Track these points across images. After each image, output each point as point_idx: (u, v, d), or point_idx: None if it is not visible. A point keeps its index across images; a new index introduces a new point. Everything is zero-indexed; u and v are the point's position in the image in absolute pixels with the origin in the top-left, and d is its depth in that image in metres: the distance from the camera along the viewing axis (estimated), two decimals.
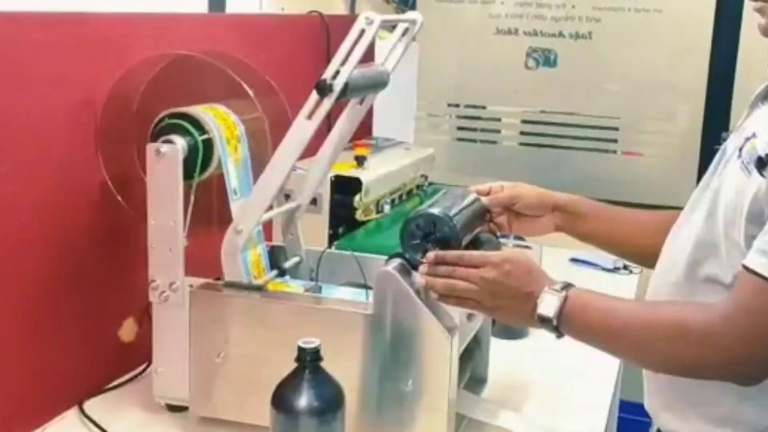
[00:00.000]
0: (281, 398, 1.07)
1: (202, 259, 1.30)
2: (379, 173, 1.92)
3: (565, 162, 2.77)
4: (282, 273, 1.38)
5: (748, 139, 1.05)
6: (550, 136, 2.76)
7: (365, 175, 1.86)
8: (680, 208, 1.20)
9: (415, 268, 1.20)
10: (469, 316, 1.29)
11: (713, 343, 1.00)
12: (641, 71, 2.62)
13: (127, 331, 1.48)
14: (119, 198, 1.37)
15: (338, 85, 1.19)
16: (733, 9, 2.47)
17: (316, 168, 1.43)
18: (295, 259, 1.43)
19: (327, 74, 1.19)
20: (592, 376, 1.51)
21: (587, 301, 1.09)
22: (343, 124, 1.41)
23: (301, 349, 1.07)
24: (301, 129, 1.22)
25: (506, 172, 2.68)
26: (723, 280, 1.05)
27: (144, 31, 1.47)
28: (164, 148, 1.25)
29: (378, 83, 1.34)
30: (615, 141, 2.74)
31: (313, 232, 1.58)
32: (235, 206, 1.30)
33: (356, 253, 1.39)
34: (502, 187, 1.35)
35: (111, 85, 1.35)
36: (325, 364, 1.08)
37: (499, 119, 2.91)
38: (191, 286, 1.28)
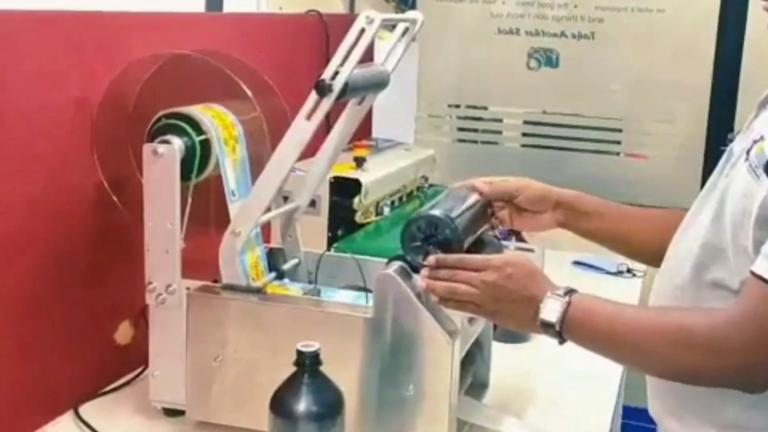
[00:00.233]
0: (280, 403, 1.05)
1: (200, 261, 1.28)
2: (378, 175, 1.91)
3: (568, 164, 2.75)
4: (280, 275, 1.36)
5: (756, 141, 1.03)
6: (552, 137, 2.74)
7: (365, 177, 1.84)
8: (686, 209, 1.19)
9: (416, 270, 1.18)
10: (471, 320, 1.27)
11: (718, 349, 0.98)
12: (644, 72, 2.60)
13: (123, 334, 1.46)
14: (115, 199, 1.35)
15: (338, 85, 1.17)
16: (738, 8, 2.45)
17: (315, 169, 1.42)
18: (294, 262, 1.41)
19: (326, 74, 1.18)
20: (596, 380, 1.49)
21: (590, 306, 1.07)
22: (343, 125, 1.39)
23: (300, 353, 1.06)
24: (300, 130, 1.20)
25: (507, 173, 2.65)
26: (730, 286, 1.03)
27: (140, 30, 1.45)
28: (161, 148, 1.23)
29: (378, 83, 1.33)
30: (618, 142, 2.72)
31: (311, 234, 1.56)
32: (233, 208, 1.28)
33: (356, 256, 1.37)
34: (503, 181, 1.33)
35: (107, 85, 1.34)
36: (324, 368, 1.07)
37: (500, 120, 2.89)
38: (188, 288, 1.27)
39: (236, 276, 1.26)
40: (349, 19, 2.40)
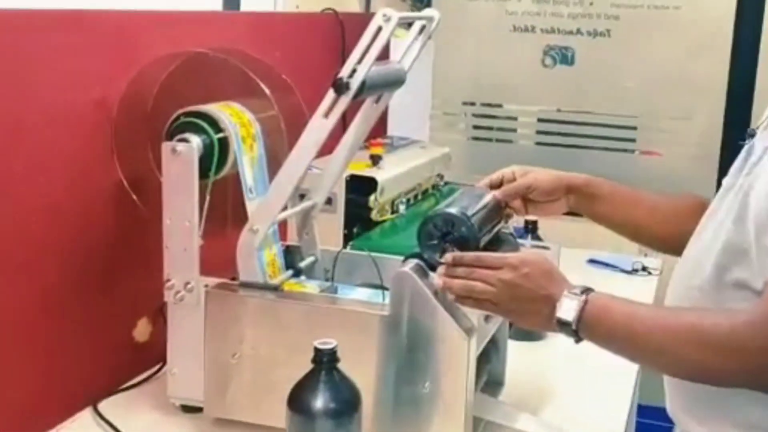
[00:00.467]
0: (298, 400, 1.06)
1: (218, 259, 1.29)
2: (394, 173, 1.91)
3: (582, 162, 2.74)
4: (297, 273, 1.37)
5: None
6: (567, 135, 2.74)
7: (380, 175, 1.84)
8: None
9: (433, 268, 1.18)
10: (487, 318, 1.27)
11: (737, 350, 0.98)
12: (660, 69, 2.59)
13: (142, 331, 1.47)
14: (134, 197, 1.36)
15: (355, 83, 1.18)
16: (755, 4, 2.44)
17: (331, 167, 1.42)
18: (311, 259, 1.41)
19: (344, 72, 1.18)
20: (611, 379, 1.49)
21: (607, 305, 1.07)
22: (359, 123, 1.39)
23: (317, 350, 1.06)
24: (318, 128, 1.21)
25: None
26: (753, 286, 1.02)
27: (158, 29, 1.46)
28: (180, 146, 1.24)
29: (395, 81, 1.33)
30: (633, 140, 2.72)
31: (327, 231, 1.57)
32: (251, 205, 1.29)
33: (372, 254, 1.38)
34: (513, 174, 1.33)
35: (126, 84, 1.35)
36: (341, 366, 1.07)
37: (515, 118, 2.89)
38: (206, 285, 1.27)
39: (254, 273, 1.27)
40: (364, 17, 2.40)
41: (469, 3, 2.74)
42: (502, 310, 1.14)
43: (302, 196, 1.40)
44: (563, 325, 1.07)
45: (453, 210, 1.19)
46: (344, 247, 1.61)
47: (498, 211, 1.29)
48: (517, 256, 1.14)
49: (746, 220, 1.03)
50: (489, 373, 1.40)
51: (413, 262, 1.20)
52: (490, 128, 2.89)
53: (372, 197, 1.81)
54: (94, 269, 1.36)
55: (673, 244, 1.24)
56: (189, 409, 1.33)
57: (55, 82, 1.25)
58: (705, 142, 2.59)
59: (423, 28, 1.38)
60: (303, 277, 1.37)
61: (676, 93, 2.62)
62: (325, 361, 1.06)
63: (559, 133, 2.76)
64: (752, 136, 1.12)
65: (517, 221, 1.77)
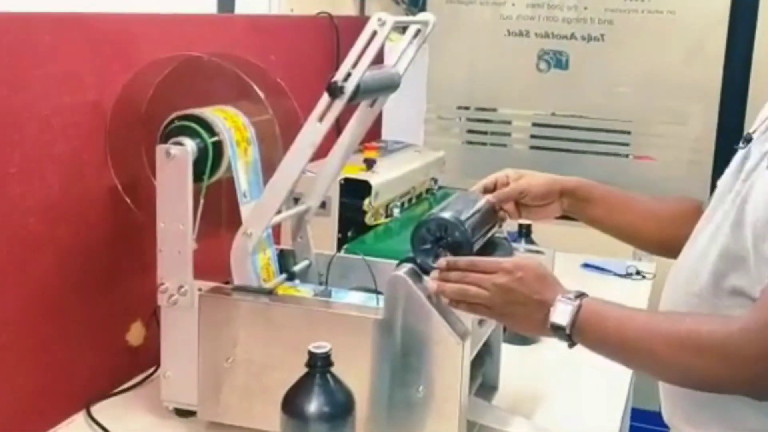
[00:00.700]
0: (292, 403, 1.06)
1: (211, 263, 1.29)
2: (388, 176, 1.91)
3: (576, 166, 2.74)
4: (291, 277, 1.37)
5: None
6: (561, 139, 2.74)
7: (375, 179, 1.84)
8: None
9: (426, 273, 1.19)
10: (481, 322, 1.27)
11: (731, 357, 0.97)
12: (654, 73, 2.60)
13: (135, 334, 1.47)
14: (128, 200, 1.36)
15: (349, 87, 1.18)
16: (748, 10, 2.45)
17: (326, 171, 1.42)
18: (305, 263, 1.41)
19: (338, 76, 1.18)
20: (605, 383, 1.49)
21: (601, 310, 1.07)
22: (354, 127, 1.39)
23: (311, 354, 1.06)
24: (312, 131, 1.21)
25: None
26: (750, 293, 1.02)
27: (153, 32, 1.46)
28: (174, 150, 1.24)
29: (389, 85, 1.33)
30: (627, 145, 2.72)
31: (321, 235, 1.57)
32: (245, 209, 1.29)
33: (366, 258, 1.38)
34: (507, 178, 1.33)
35: (120, 87, 1.35)
36: (335, 369, 1.07)
37: (509, 122, 2.89)
38: (200, 289, 1.27)
39: (248, 277, 1.27)
40: (359, 21, 2.41)
41: (464, 7, 2.75)
42: (495, 314, 1.14)
43: (296, 200, 1.40)
44: (557, 330, 1.07)
45: (446, 215, 1.19)
46: (338, 250, 1.60)
47: (492, 215, 1.29)
48: (511, 260, 1.14)
49: (744, 227, 1.02)
50: (483, 377, 1.40)
51: (407, 266, 1.20)
52: (484, 132, 2.89)
53: (366, 201, 1.81)
54: (88, 272, 1.35)
55: (669, 247, 1.24)
56: (183, 413, 1.32)
57: (50, 84, 1.25)
58: (698, 147, 2.60)
59: (418, 32, 1.38)
60: (297, 281, 1.37)
61: (670, 98, 2.63)
62: (319, 365, 1.06)
63: (553, 138, 2.76)
64: (748, 140, 1.12)
65: (510, 225, 1.77)
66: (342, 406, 1.07)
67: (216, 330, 1.26)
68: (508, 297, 1.10)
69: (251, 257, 1.26)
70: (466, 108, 2.88)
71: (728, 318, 1.02)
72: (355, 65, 1.18)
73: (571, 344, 1.08)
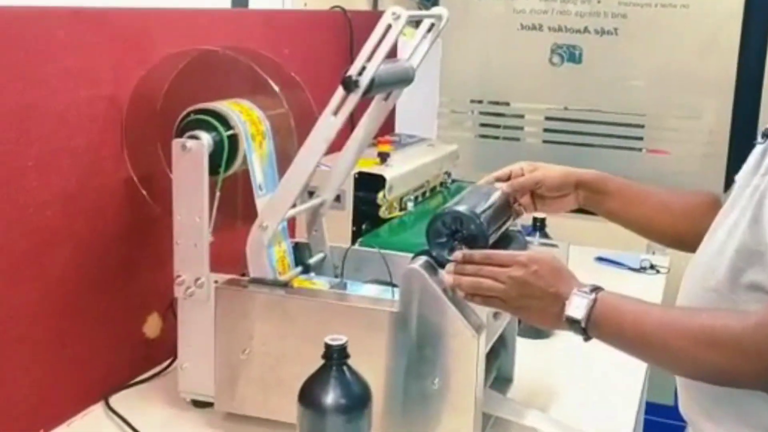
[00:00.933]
0: (309, 395, 1.06)
1: (227, 255, 1.29)
2: (402, 170, 1.91)
3: (589, 160, 2.73)
4: (306, 269, 1.37)
5: None
6: (574, 133, 2.74)
7: (389, 172, 1.85)
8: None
9: (442, 266, 1.19)
10: (496, 315, 1.27)
11: (747, 351, 0.97)
12: (668, 67, 2.59)
13: (152, 326, 1.48)
14: (145, 194, 1.37)
15: (364, 81, 1.18)
16: (763, 3, 2.43)
17: (340, 165, 1.43)
18: (320, 256, 1.42)
19: (353, 70, 1.18)
20: (620, 377, 1.49)
21: (617, 304, 1.07)
22: (368, 121, 1.40)
23: (328, 346, 1.06)
24: (327, 125, 1.21)
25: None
26: (767, 288, 1.02)
27: (168, 27, 1.47)
28: (190, 143, 1.25)
29: (404, 79, 1.33)
30: (640, 138, 2.71)
31: (336, 229, 1.58)
32: (261, 202, 1.29)
33: (381, 251, 1.38)
34: (522, 170, 1.33)
35: (136, 81, 1.35)
36: (350, 362, 1.08)
37: (522, 116, 2.89)
38: (216, 281, 1.28)
39: (263, 270, 1.27)
40: (372, 15, 2.41)
41: (477, 1, 2.74)
42: (511, 308, 1.14)
43: (311, 194, 1.40)
44: (572, 323, 1.07)
45: (462, 208, 1.19)
46: (353, 243, 1.61)
47: (507, 208, 1.29)
48: (526, 254, 1.14)
49: (762, 222, 1.02)
50: (498, 370, 1.40)
51: (422, 259, 1.20)
52: (497, 126, 2.89)
53: (380, 194, 1.82)
54: (105, 265, 1.36)
55: (684, 241, 1.24)
56: (200, 404, 1.34)
57: (66, 79, 1.26)
58: (713, 141, 2.59)
59: (432, 26, 1.39)
60: (312, 274, 1.38)
61: (684, 91, 2.62)
62: (336, 357, 1.07)
63: (566, 132, 2.76)
64: (767, 135, 1.11)
65: (525, 219, 1.77)
66: (359, 398, 1.07)
67: (232, 322, 1.27)
68: (523, 290, 1.10)
69: (267, 250, 1.27)
70: (479, 102, 2.88)
71: (744, 313, 1.01)
72: (369, 59, 1.18)
73: (587, 338, 1.08)
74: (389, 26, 1.19)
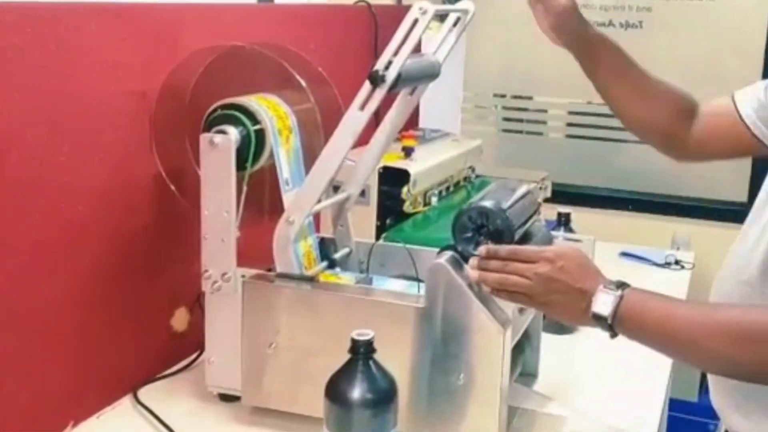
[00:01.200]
0: (335, 390, 1.07)
1: (254, 250, 1.30)
2: (427, 165, 1.91)
3: (613, 154, 2.73)
4: (332, 264, 1.38)
5: None
6: (597, 127, 2.72)
7: (413, 167, 1.85)
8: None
9: (467, 261, 1.19)
10: (521, 310, 1.27)
11: None
12: (693, 61, 2.57)
13: (179, 320, 1.49)
14: (173, 188, 1.38)
15: (391, 75, 1.19)
16: None
17: (366, 159, 1.43)
18: (345, 251, 1.42)
19: (379, 64, 1.19)
20: (646, 372, 1.49)
21: (644, 300, 1.06)
22: (394, 115, 1.40)
23: (354, 341, 1.07)
24: (354, 120, 1.21)
25: (552, 164, 2.67)
26: None
27: (196, 22, 1.48)
28: (217, 138, 1.26)
29: (430, 74, 1.34)
30: None
31: (360, 223, 1.58)
32: (287, 197, 1.30)
33: (407, 246, 1.39)
34: None
35: (165, 77, 1.36)
36: (376, 356, 1.08)
37: (545, 110, 2.88)
38: (243, 276, 1.29)
39: (290, 264, 1.28)
40: (397, 9, 2.40)
41: None
42: (537, 303, 1.14)
43: (336, 188, 1.41)
44: (599, 320, 1.07)
45: (488, 203, 1.19)
46: (377, 238, 1.61)
47: (532, 203, 1.29)
48: (552, 249, 1.13)
49: None
50: (522, 366, 1.41)
51: (448, 254, 1.20)
52: (520, 120, 2.88)
53: (405, 189, 1.81)
54: (134, 259, 1.38)
55: (640, 127, 1.28)
56: (227, 398, 1.35)
57: (97, 74, 1.27)
58: None
59: (457, 20, 1.38)
60: (338, 269, 1.38)
61: (709, 85, 2.58)
62: (362, 351, 1.07)
63: (589, 126, 2.74)
64: None
65: (549, 214, 1.77)
66: (385, 393, 1.08)
67: (259, 316, 1.28)
68: (549, 286, 1.10)
69: (293, 245, 1.28)
70: (503, 96, 2.87)
71: None
72: (396, 54, 1.19)
73: (613, 335, 1.07)
74: (416, 21, 1.20)
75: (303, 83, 1.32)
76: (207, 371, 1.34)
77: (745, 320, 1.00)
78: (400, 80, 1.20)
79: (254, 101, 1.31)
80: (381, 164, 1.77)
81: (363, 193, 1.73)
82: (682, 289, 1.95)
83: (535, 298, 1.12)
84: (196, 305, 1.42)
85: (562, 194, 2.31)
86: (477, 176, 2.20)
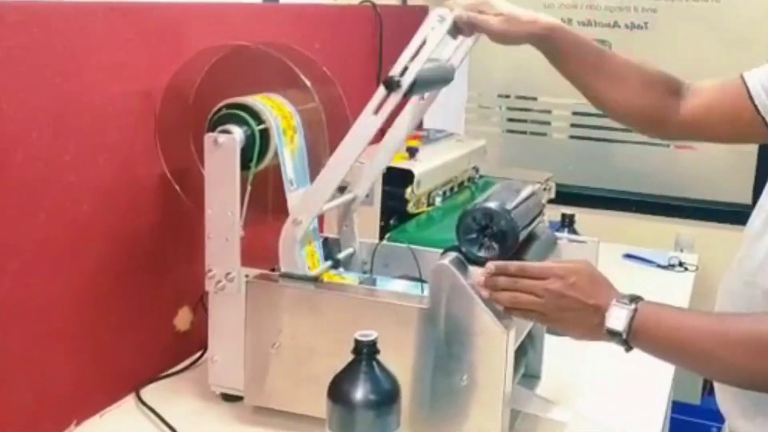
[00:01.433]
0: (338, 390, 1.07)
1: (258, 250, 1.30)
2: (431, 165, 1.91)
3: (616, 155, 2.73)
4: (336, 264, 1.38)
5: None
6: (602, 128, 2.72)
7: (417, 167, 1.85)
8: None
9: (472, 262, 1.19)
10: None
11: None
12: (698, 62, 2.56)
13: (183, 320, 1.50)
14: (177, 188, 1.38)
15: (406, 81, 1.18)
16: None
17: (374, 162, 1.42)
18: (349, 251, 1.42)
19: (395, 70, 1.18)
20: (649, 374, 1.48)
21: (658, 314, 1.05)
22: (404, 119, 1.39)
23: (358, 342, 1.07)
24: (367, 124, 1.20)
25: (556, 164, 2.67)
26: None
27: (201, 22, 1.48)
28: (222, 138, 1.25)
29: (444, 80, 1.33)
30: None
31: (364, 224, 1.57)
32: (292, 197, 1.30)
33: (410, 246, 1.39)
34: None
35: (169, 76, 1.36)
36: (379, 357, 1.08)
37: (549, 111, 2.88)
38: (247, 276, 1.29)
39: (295, 264, 1.28)
40: (402, 10, 2.40)
41: None
42: (550, 321, 1.13)
43: (342, 189, 1.41)
44: (613, 335, 1.06)
45: (492, 204, 1.19)
46: (381, 239, 1.61)
47: (537, 204, 1.29)
48: (563, 266, 1.12)
49: None
50: (526, 367, 1.40)
51: (452, 255, 1.20)
52: (524, 121, 2.88)
53: (409, 189, 1.81)
54: (138, 258, 1.38)
55: (627, 118, 1.27)
56: (229, 398, 1.35)
57: (102, 74, 1.27)
58: None
59: None
60: (341, 269, 1.38)
61: None
62: (366, 352, 1.07)
63: (593, 127, 2.74)
64: None
65: (553, 215, 1.77)
66: (388, 394, 1.07)
67: (262, 316, 1.28)
68: (562, 303, 1.09)
69: (299, 246, 1.27)
70: (507, 96, 2.87)
71: None
72: (412, 59, 1.18)
73: (628, 348, 1.07)
74: (433, 28, 1.19)
75: (308, 83, 1.32)
76: (210, 371, 1.34)
77: (758, 330, 1.00)
78: (415, 86, 1.19)
79: (259, 101, 1.31)
80: None
81: (367, 194, 1.73)
82: (686, 292, 1.95)
83: (548, 316, 1.11)
84: (200, 305, 1.42)
85: (565, 195, 2.31)
86: (481, 177, 2.20)
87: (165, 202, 1.40)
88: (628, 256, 2.18)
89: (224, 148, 1.26)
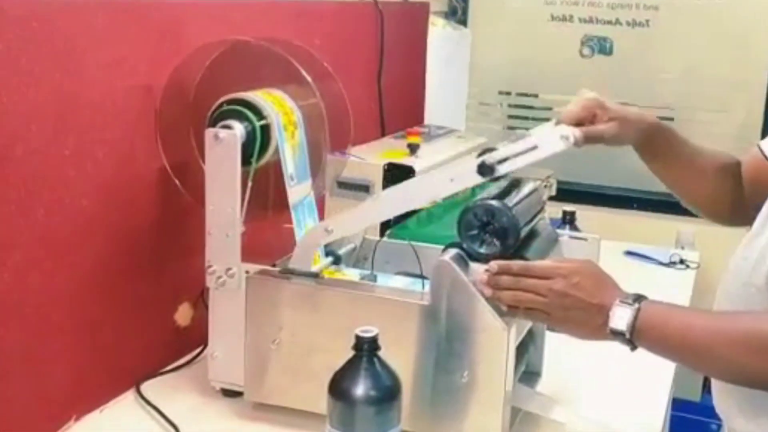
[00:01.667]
0: (339, 386, 1.07)
1: (259, 245, 1.30)
2: (431, 162, 1.90)
3: (617, 153, 2.69)
4: (337, 260, 1.38)
5: None
6: None
7: (418, 164, 1.84)
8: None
9: (473, 258, 1.19)
10: None
11: None
12: (699, 61, 2.57)
13: (183, 315, 1.49)
14: (178, 183, 1.38)
15: (501, 170, 1.18)
16: None
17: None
18: (350, 247, 1.42)
19: (493, 157, 1.18)
20: (650, 372, 1.48)
21: (661, 313, 1.06)
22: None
23: (359, 338, 1.07)
24: (437, 186, 1.23)
25: (557, 161, 2.66)
26: None
27: (202, 17, 1.47)
28: (222, 133, 1.25)
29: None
30: None
31: None
32: (292, 192, 1.30)
33: (411, 243, 1.38)
34: (593, 114, 1.30)
35: (170, 72, 1.36)
36: (380, 354, 1.08)
37: (550, 108, 2.87)
38: (247, 271, 1.29)
39: (306, 264, 1.28)
40: (403, 6, 2.39)
41: None
42: (554, 320, 1.13)
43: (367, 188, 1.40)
44: (617, 335, 1.06)
45: (493, 201, 1.19)
46: (381, 235, 1.61)
47: (538, 201, 1.29)
48: (567, 266, 1.12)
49: None
50: (527, 364, 1.40)
51: (453, 251, 1.20)
52: (525, 118, 2.88)
53: None
54: (138, 254, 1.38)
55: (715, 211, 1.27)
56: (229, 393, 1.35)
57: (102, 69, 1.27)
58: (743, 136, 2.56)
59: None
60: (342, 265, 1.38)
61: (715, 85, 2.59)
62: (366, 348, 1.07)
63: None
64: None
65: (554, 212, 1.76)
66: (389, 390, 1.07)
67: (263, 312, 1.27)
68: (565, 302, 1.09)
69: (318, 248, 1.29)
70: (508, 93, 2.87)
71: None
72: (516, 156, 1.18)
73: (633, 348, 1.07)
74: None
75: (308, 78, 1.31)
76: (210, 366, 1.34)
77: (758, 328, 1.00)
78: (505, 176, 1.20)
79: (260, 96, 1.31)
80: (386, 161, 1.77)
81: (367, 190, 1.73)
82: (687, 289, 1.94)
83: (552, 315, 1.11)
84: (200, 300, 1.41)
85: (566, 192, 2.31)
86: None
87: (165, 197, 1.40)
88: (629, 253, 2.18)
89: (225, 143, 1.25)
